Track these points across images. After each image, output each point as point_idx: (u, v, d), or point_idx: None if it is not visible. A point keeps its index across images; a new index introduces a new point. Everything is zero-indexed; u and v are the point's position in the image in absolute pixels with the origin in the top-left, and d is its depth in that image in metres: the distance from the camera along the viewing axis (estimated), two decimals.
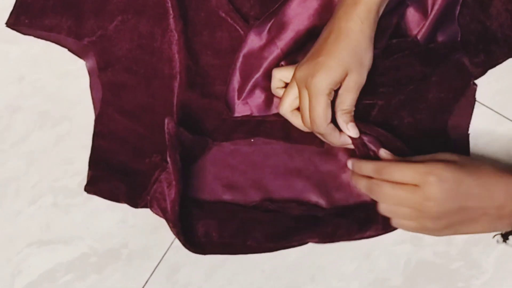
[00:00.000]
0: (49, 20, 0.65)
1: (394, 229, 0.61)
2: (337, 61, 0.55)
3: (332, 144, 0.60)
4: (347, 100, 0.57)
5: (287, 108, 0.60)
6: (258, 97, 0.64)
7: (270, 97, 0.64)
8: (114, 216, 0.64)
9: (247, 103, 0.64)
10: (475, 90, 0.65)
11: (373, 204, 0.59)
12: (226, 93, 0.64)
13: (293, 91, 0.59)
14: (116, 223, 0.64)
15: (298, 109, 0.60)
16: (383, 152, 0.59)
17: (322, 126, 0.57)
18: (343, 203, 0.63)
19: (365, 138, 0.60)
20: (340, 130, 0.59)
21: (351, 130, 0.58)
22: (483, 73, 0.65)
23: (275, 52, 0.62)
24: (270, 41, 0.62)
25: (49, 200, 0.65)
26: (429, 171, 0.54)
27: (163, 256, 0.64)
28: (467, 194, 0.54)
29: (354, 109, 0.58)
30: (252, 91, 0.64)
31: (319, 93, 0.56)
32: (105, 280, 0.63)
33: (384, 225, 0.60)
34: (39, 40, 0.67)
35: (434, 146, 0.61)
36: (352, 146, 0.60)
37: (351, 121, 0.58)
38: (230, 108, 0.64)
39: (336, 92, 0.58)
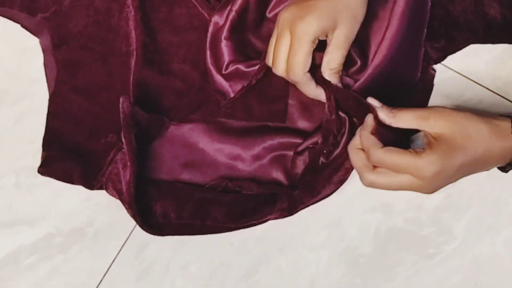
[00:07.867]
0: None
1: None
2: (330, 8, 0.51)
3: (306, 94, 0.58)
4: (337, 58, 0.53)
5: (283, 65, 0.54)
6: (239, 66, 0.62)
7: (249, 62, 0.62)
8: (78, 194, 0.63)
9: (236, 75, 0.62)
10: (433, 76, 0.64)
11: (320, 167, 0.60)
12: (213, 83, 0.62)
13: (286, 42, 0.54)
14: (80, 202, 0.63)
15: None
16: (371, 100, 0.54)
17: (299, 74, 0.53)
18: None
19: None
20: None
21: None
22: (443, 58, 0.63)
23: (230, 16, 0.60)
24: (229, 13, 0.61)
25: (11, 180, 0.63)
26: (417, 165, 0.51)
27: (130, 234, 0.63)
28: (461, 168, 0.52)
29: (342, 68, 0.55)
30: (231, 63, 0.62)
31: (305, 37, 0.52)
32: (71, 260, 0.62)
33: (337, 183, 0.60)
34: None
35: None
36: (324, 99, 0.57)
37: (339, 81, 0.55)
38: (224, 94, 0.62)
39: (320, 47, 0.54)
